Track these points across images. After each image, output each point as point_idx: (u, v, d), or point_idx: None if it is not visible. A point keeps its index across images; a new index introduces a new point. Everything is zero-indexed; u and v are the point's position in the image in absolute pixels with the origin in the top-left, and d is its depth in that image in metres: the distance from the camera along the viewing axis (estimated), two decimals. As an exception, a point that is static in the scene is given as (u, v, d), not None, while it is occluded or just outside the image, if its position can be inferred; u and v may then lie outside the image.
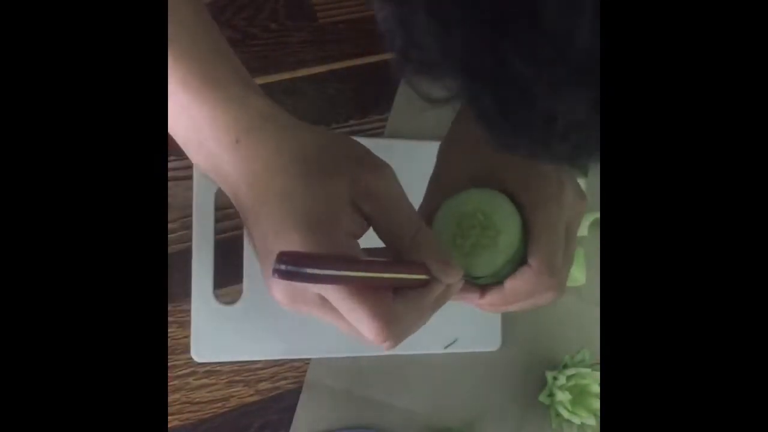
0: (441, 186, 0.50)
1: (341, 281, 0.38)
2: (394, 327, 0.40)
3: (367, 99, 0.67)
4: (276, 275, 0.36)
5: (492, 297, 0.48)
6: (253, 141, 0.42)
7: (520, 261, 0.47)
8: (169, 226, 0.60)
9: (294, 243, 0.40)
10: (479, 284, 0.48)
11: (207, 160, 0.44)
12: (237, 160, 0.42)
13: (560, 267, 0.47)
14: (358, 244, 0.42)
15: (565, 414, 0.66)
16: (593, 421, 0.66)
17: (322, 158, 0.42)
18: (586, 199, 0.50)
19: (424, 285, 0.42)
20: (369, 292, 0.39)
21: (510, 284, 0.47)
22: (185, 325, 0.60)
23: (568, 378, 0.67)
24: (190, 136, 0.43)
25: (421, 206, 0.50)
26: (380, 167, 0.43)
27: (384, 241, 0.43)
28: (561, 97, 0.24)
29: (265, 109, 0.43)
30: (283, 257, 0.36)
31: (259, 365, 0.63)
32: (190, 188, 0.60)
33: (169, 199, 0.59)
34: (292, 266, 0.36)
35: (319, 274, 0.36)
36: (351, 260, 0.39)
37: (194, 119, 0.42)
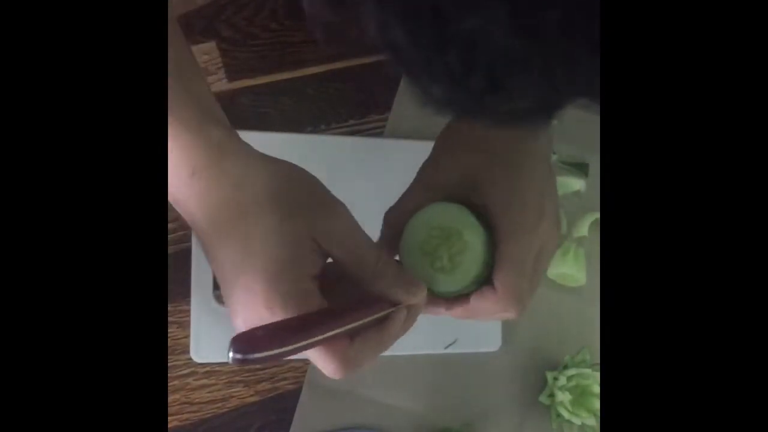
0: (428, 183, 0.49)
1: (299, 351, 0.39)
2: (351, 364, 0.41)
3: (367, 99, 0.67)
4: (231, 362, 0.36)
5: (457, 311, 0.48)
6: (209, 176, 0.41)
7: (490, 264, 0.47)
8: (169, 226, 0.60)
9: (254, 286, 0.40)
10: (446, 297, 0.48)
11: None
12: (193, 193, 0.42)
13: (525, 294, 0.47)
14: (316, 284, 0.42)
15: (566, 414, 0.66)
16: (594, 422, 0.66)
17: (280, 197, 0.42)
18: (561, 229, 0.50)
19: (384, 319, 0.43)
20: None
21: (474, 303, 0.47)
22: (185, 325, 0.60)
23: (569, 378, 0.67)
24: None
25: (403, 198, 0.49)
26: (335, 204, 0.43)
27: (347, 273, 0.43)
28: (473, 13, 0.22)
29: (222, 142, 0.42)
30: (237, 344, 0.36)
31: (258, 365, 0.63)
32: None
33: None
34: (246, 353, 0.36)
35: (275, 354, 0.37)
36: (307, 326, 0.39)
37: None
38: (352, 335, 0.42)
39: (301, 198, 0.42)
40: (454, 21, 0.22)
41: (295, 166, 0.44)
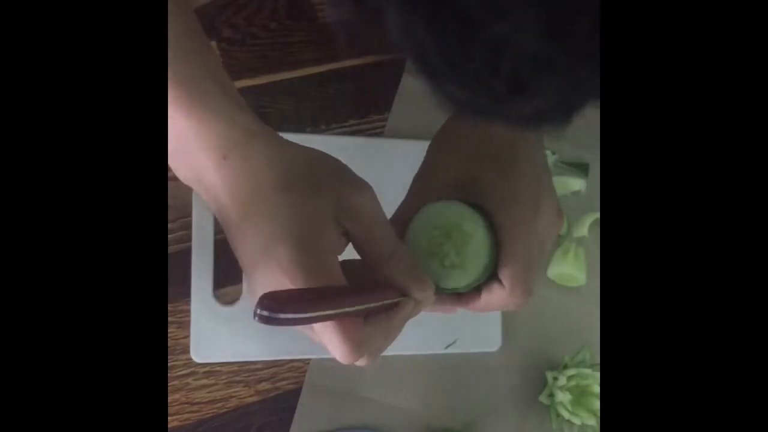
0: (425, 187, 0.50)
1: (320, 320, 0.40)
2: (365, 349, 0.42)
3: (367, 99, 0.67)
4: (257, 319, 0.37)
5: (469, 305, 0.49)
6: (240, 157, 0.43)
7: (495, 260, 0.47)
8: (169, 226, 0.60)
9: (280, 259, 0.41)
10: (456, 293, 0.49)
11: (192, 170, 0.44)
12: (224, 174, 0.43)
13: (531, 284, 0.48)
14: (338, 262, 0.43)
15: (566, 414, 0.66)
16: (594, 422, 0.66)
17: (308, 175, 0.43)
18: (563, 218, 0.52)
19: (395, 306, 0.44)
20: (341, 318, 0.41)
21: (484, 299, 0.49)
22: (185, 325, 0.60)
23: (569, 378, 0.67)
24: (175, 146, 0.44)
25: (403, 205, 0.50)
26: (362, 186, 0.44)
27: (362, 257, 0.44)
28: (503, 19, 0.22)
29: (251, 126, 0.44)
30: (264, 302, 0.37)
31: (258, 365, 0.63)
32: (190, 189, 0.60)
33: (169, 200, 0.59)
34: (273, 312, 0.37)
35: (299, 318, 0.38)
36: (329, 297, 0.40)
37: (180, 132, 0.43)
38: (365, 318, 0.42)
39: (327, 177, 0.43)
40: (483, 27, 0.22)
41: (321, 151, 0.45)
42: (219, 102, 0.43)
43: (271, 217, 0.42)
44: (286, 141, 0.45)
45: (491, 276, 0.48)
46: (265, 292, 0.42)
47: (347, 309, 0.40)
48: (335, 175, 0.44)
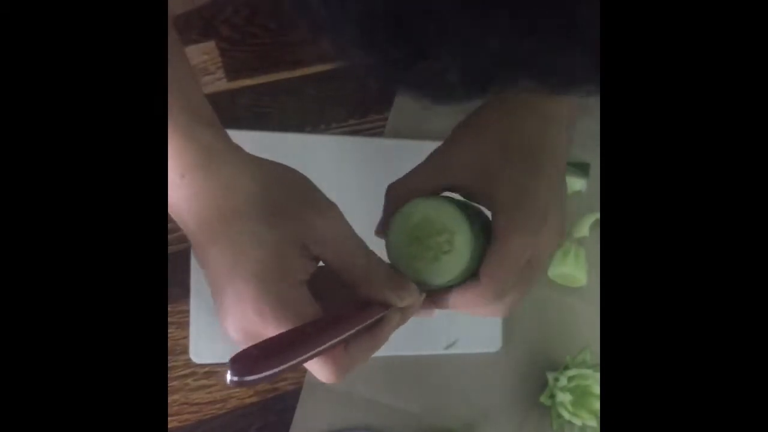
0: (437, 166, 0.47)
1: (298, 365, 0.38)
2: (346, 369, 0.41)
3: (367, 99, 0.67)
4: (232, 386, 0.36)
5: (439, 302, 0.47)
6: (198, 178, 0.41)
7: (478, 261, 0.45)
8: (169, 226, 0.60)
9: (245, 294, 0.40)
10: (433, 290, 0.47)
11: None
12: (184, 196, 0.41)
13: (507, 294, 0.45)
14: (307, 291, 0.41)
15: (567, 415, 0.66)
16: (594, 422, 0.66)
17: (271, 201, 0.41)
18: (564, 236, 0.49)
19: (379, 321, 0.42)
20: None
21: (455, 296, 0.46)
22: (184, 325, 0.60)
23: (570, 379, 0.67)
24: None
25: (409, 176, 0.48)
26: (326, 208, 0.43)
27: (338, 275, 0.43)
28: None
29: (211, 144, 0.42)
30: (235, 366, 0.35)
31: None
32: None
33: (169, 200, 0.59)
34: (243, 375, 0.35)
35: (275, 373, 0.36)
36: (305, 339, 0.39)
37: None
38: (346, 341, 0.41)
39: (291, 202, 0.42)
40: None
41: (285, 167, 0.43)
42: (179, 117, 0.41)
43: (234, 248, 0.40)
44: (248, 159, 0.43)
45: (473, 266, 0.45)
46: (230, 328, 0.41)
47: (323, 347, 0.39)
48: (298, 200, 0.42)
